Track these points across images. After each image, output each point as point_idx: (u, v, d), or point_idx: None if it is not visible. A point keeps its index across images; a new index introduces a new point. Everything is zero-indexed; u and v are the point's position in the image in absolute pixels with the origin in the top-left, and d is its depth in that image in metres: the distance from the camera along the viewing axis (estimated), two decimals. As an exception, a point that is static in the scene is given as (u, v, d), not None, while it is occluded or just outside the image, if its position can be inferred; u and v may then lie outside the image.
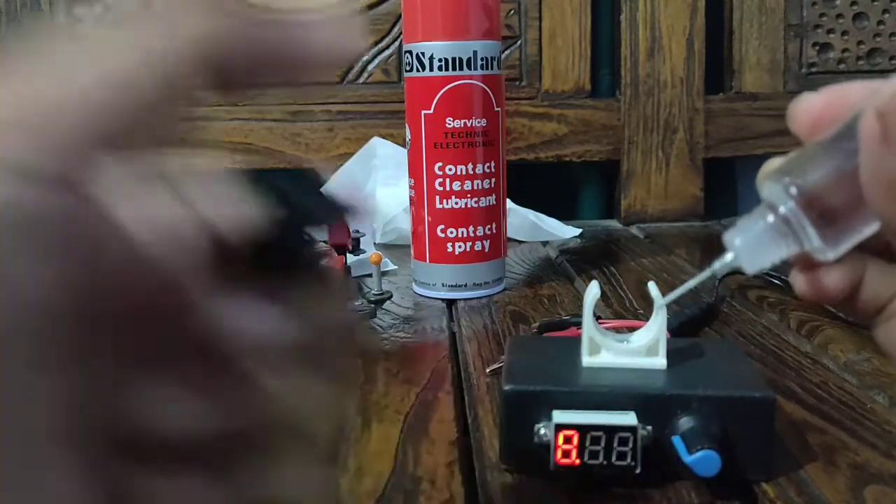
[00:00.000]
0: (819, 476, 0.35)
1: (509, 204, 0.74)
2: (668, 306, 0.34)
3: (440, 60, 0.59)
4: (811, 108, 0.24)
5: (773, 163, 0.25)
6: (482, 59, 0.60)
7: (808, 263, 0.25)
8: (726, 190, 1.04)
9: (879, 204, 0.22)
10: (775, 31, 0.96)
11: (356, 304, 0.56)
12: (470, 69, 0.60)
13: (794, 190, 0.23)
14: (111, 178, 0.16)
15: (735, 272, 0.26)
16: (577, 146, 0.96)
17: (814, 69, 0.96)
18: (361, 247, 0.70)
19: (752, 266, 0.25)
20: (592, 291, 0.37)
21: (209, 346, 0.18)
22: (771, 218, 0.24)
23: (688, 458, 0.32)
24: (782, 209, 0.24)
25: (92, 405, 0.16)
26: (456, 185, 0.61)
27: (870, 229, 0.23)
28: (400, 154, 0.82)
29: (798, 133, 0.25)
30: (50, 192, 0.15)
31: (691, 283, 0.28)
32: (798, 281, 0.25)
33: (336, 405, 0.21)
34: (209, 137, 0.18)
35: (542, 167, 0.97)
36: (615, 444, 0.33)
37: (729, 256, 0.25)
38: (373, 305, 0.55)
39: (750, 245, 0.25)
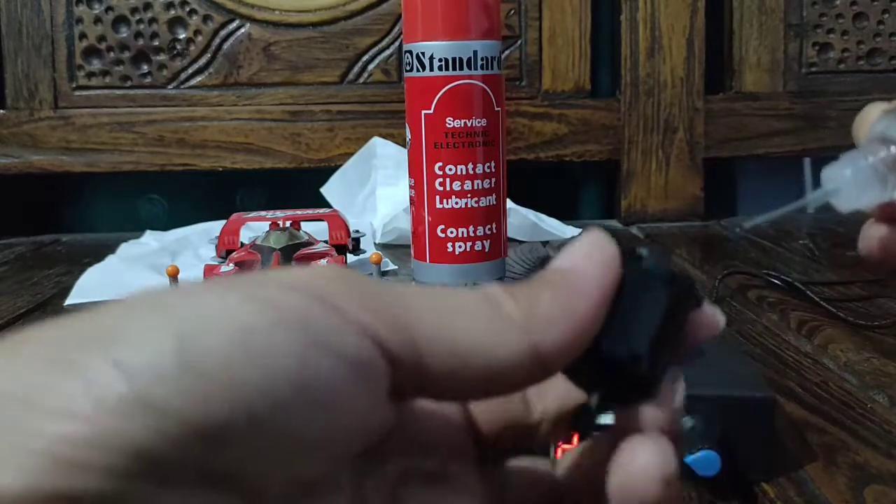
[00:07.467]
0: (819, 476, 0.35)
1: (509, 204, 0.74)
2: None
3: (440, 60, 0.59)
4: None
5: (878, 105, 0.23)
6: (482, 59, 0.60)
7: (891, 216, 0.23)
8: (726, 190, 1.04)
9: None
10: (775, 31, 0.96)
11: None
12: (470, 69, 0.60)
13: None
14: None
15: (824, 208, 0.23)
16: (577, 146, 0.96)
17: (814, 69, 0.96)
18: (361, 247, 0.70)
19: (848, 203, 0.22)
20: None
21: None
22: (883, 153, 0.22)
23: (688, 458, 0.32)
24: None
25: None
26: (456, 185, 0.61)
27: None
28: (400, 154, 0.82)
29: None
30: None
31: (781, 212, 0.24)
32: (868, 239, 0.23)
33: None
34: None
35: (542, 167, 0.97)
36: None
37: (830, 186, 0.22)
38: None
39: (853, 179, 0.22)
